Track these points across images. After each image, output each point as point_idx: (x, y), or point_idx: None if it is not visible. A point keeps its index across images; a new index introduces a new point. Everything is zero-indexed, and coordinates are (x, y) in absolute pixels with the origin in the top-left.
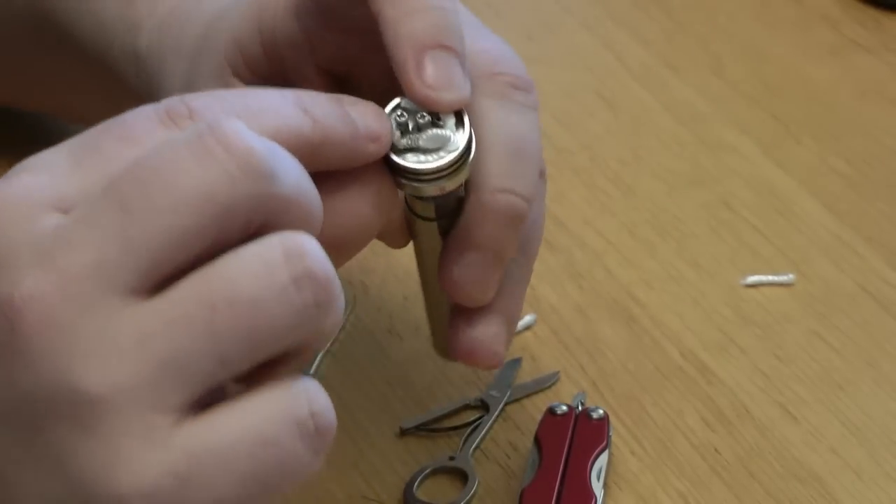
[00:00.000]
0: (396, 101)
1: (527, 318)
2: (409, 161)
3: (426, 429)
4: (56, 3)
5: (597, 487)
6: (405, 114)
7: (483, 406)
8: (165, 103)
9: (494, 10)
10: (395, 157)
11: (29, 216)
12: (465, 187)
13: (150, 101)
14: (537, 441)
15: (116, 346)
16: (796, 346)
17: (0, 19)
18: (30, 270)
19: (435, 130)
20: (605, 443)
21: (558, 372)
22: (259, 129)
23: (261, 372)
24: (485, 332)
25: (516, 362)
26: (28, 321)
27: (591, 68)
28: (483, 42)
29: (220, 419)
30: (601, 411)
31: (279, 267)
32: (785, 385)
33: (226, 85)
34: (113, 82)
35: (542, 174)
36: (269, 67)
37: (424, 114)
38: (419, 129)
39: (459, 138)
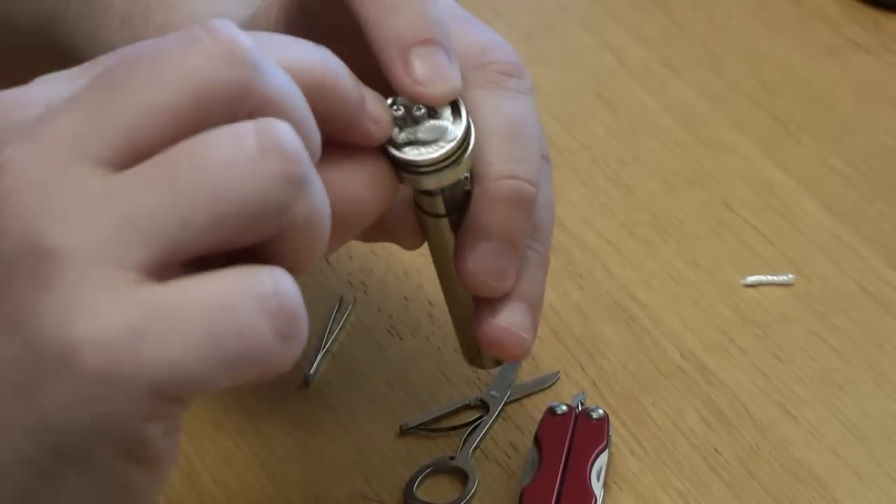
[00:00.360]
0: (391, 99)
1: None
2: (409, 154)
3: (426, 429)
4: (65, 30)
5: (597, 487)
6: (401, 108)
7: (483, 406)
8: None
9: (494, 11)
10: (394, 151)
11: (27, 108)
12: (469, 180)
13: None
14: (537, 441)
15: (81, 205)
16: (796, 346)
17: (7, 40)
18: (14, 143)
19: (432, 122)
20: (604, 443)
21: (558, 372)
22: (274, 57)
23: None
24: (509, 320)
25: (516, 362)
26: (4, 183)
27: (591, 68)
28: (471, 33)
29: (182, 284)
30: (601, 411)
31: (248, 136)
32: (784, 385)
33: None
34: None
35: (545, 158)
36: None
37: (421, 107)
38: (416, 122)
39: (457, 128)
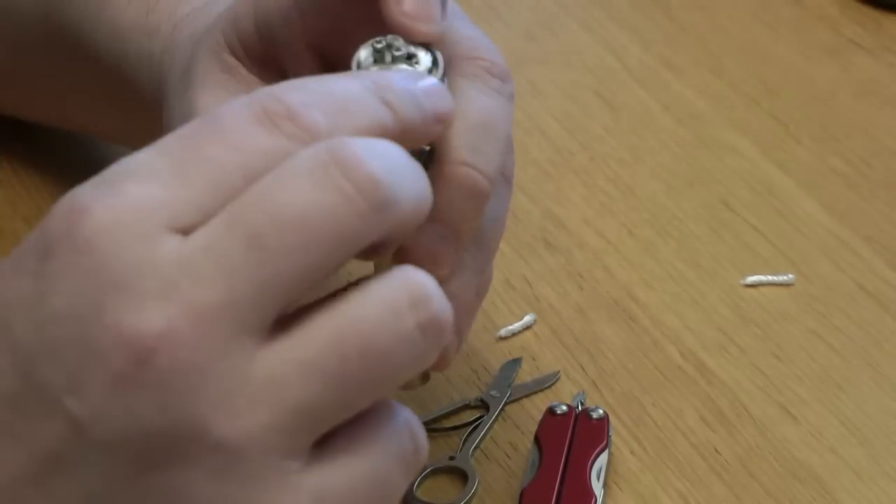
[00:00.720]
0: (379, 36)
1: (527, 318)
2: None
3: (426, 429)
4: (70, 14)
5: (597, 487)
6: (383, 42)
7: (483, 406)
8: (258, 99)
9: (494, 11)
10: None
11: (146, 236)
12: (430, 155)
13: (159, 102)
14: (537, 441)
15: (249, 393)
16: (796, 345)
17: (10, 29)
18: (158, 303)
19: (407, 66)
20: (604, 442)
21: (558, 372)
22: (351, 129)
23: None
24: None
25: (516, 362)
26: (160, 360)
27: (591, 68)
28: (468, 30)
29: (342, 461)
30: (601, 411)
31: (406, 314)
32: (784, 385)
33: (219, 61)
34: (126, 91)
35: (507, 178)
36: (260, 45)
37: (401, 47)
38: (393, 60)
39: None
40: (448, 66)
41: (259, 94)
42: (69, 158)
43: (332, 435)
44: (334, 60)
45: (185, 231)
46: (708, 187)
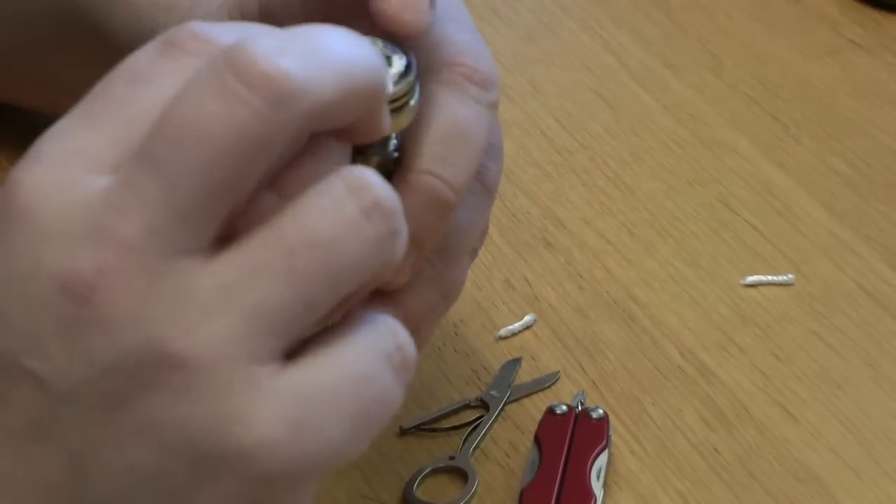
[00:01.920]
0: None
1: (527, 318)
2: None
3: (426, 428)
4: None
5: (596, 487)
6: None
7: (483, 406)
8: (163, 35)
9: (494, 11)
10: None
11: (70, 184)
12: (396, 162)
13: None
14: (537, 440)
15: (198, 305)
16: (795, 345)
17: (20, 19)
18: (88, 243)
19: None
20: (604, 442)
21: (558, 372)
22: (320, 63)
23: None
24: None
25: (516, 362)
26: (101, 294)
27: (591, 68)
28: (457, 35)
29: (319, 362)
30: (601, 411)
31: (347, 202)
32: (784, 385)
33: None
34: None
35: (489, 188)
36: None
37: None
38: None
39: (401, 82)
40: (428, 72)
41: (167, 32)
42: None
43: (309, 340)
44: None
45: (114, 171)
46: (708, 187)
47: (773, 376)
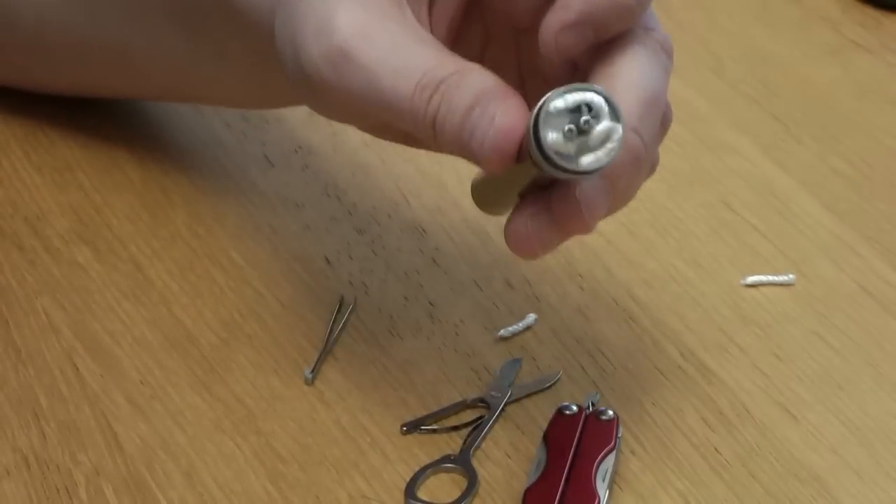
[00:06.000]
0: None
1: (527, 318)
2: (585, 162)
3: (427, 429)
4: None
5: (601, 488)
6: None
7: (484, 406)
8: None
9: None
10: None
11: None
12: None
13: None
14: (545, 440)
15: None
16: (796, 345)
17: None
18: None
19: (599, 128)
20: (612, 444)
21: (559, 372)
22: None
23: None
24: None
25: (516, 362)
26: None
27: None
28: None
29: None
30: (611, 412)
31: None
32: (785, 385)
33: None
34: (260, 44)
35: (665, 124)
36: None
37: (588, 119)
38: (583, 133)
39: (618, 126)
40: (630, 33)
41: None
42: (70, 158)
43: None
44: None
45: None
46: (708, 187)
47: (774, 376)
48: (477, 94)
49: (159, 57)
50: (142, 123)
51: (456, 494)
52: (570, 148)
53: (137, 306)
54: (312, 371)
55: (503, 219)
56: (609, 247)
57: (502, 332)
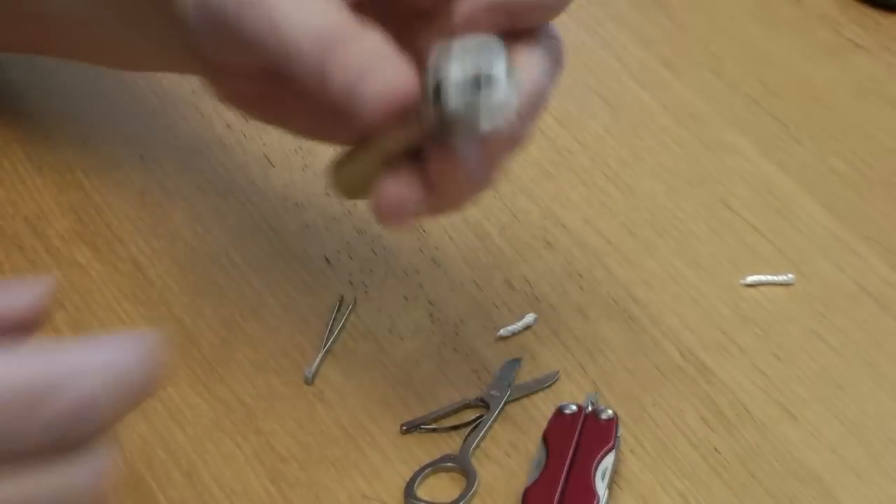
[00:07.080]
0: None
1: (527, 318)
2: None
3: (427, 428)
4: None
5: (601, 488)
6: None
7: (483, 405)
8: None
9: None
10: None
11: None
12: None
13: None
14: (545, 440)
15: None
16: (796, 345)
17: None
18: None
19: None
20: (611, 443)
21: (558, 371)
22: None
23: None
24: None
25: (516, 362)
26: None
27: (591, 68)
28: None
29: None
30: (610, 412)
31: None
32: (784, 385)
33: None
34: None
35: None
36: None
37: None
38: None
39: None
40: (537, 35)
41: None
42: (70, 158)
43: None
44: None
45: None
46: (708, 187)
47: (774, 376)
48: (374, 51)
49: (60, 12)
50: (142, 123)
51: (455, 494)
52: (468, 106)
53: (137, 306)
54: (312, 371)
55: (503, 219)
56: (609, 247)
57: (502, 331)
